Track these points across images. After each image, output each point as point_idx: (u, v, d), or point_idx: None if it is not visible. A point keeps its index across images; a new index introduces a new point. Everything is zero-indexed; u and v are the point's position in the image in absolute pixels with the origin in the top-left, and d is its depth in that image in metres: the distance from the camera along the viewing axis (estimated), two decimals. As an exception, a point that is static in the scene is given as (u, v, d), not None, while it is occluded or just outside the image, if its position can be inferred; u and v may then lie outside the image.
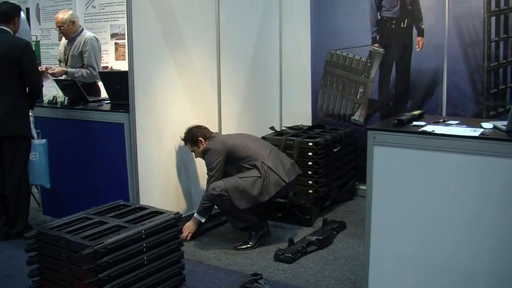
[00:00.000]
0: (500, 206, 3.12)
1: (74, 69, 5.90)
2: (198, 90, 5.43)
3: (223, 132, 5.77)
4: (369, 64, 5.85)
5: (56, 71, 5.89)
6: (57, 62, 6.25)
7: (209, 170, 4.81)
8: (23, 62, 4.83)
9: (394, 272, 3.52)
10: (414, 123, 3.58)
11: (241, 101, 6.06)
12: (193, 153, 5.07)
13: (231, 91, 5.83)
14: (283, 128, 6.10)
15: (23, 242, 3.68)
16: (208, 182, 4.77)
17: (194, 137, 4.95)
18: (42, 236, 3.64)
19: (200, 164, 5.47)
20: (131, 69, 4.64)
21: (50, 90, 6.04)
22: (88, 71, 5.90)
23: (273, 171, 4.66)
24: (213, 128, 5.63)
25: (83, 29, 6.10)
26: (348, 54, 6.01)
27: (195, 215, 4.88)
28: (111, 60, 7.56)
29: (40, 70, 5.43)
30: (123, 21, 7.11)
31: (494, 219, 3.15)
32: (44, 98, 5.59)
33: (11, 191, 4.98)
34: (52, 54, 7.80)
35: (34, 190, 5.62)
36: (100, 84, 6.09)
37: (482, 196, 3.17)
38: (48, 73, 5.86)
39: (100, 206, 4.11)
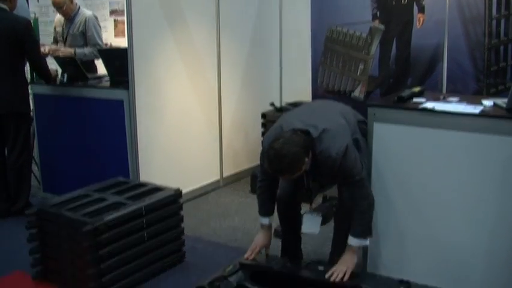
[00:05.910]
0: (501, 184, 3.12)
1: (81, 50, 5.86)
2: (197, 66, 5.41)
3: (223, 107, 5.75)
4: (369, 41, 5.82)
5: (61, 53, 5.78)
6: (52, 41, 6.19)
7: (358, 174, 3.30)
8: (26, 41, 4.82)
9: (393, 248, 3.54)
10: (414, 100, 3.57)
11: (241, 76, 6.04)
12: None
13: (231, 66, 5.81)
14: (284, 104, 6.08)
15: (24, 219, 3.69)
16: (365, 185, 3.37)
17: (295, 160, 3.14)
18: (42, 213, 3.65)
19: (200, 140, 5.48)
20: (130, 46, 4.63)
21: (50, 68, 6.01)
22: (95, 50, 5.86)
23: None
24: (213, 103, 5.63)
25: (79, 7, 6.04)
26: (348, 31, 5.96)
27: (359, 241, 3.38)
28: (110, 37, 7.52)
29: (43, 52, 5.41)
30: (122, -3, 7.07)
31: (494, 197, 3.16)
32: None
33: (12, 168, 4.99)
34: (51, 31, 7.75)
35: (34, 168, 5.62)
36: (97, 61, 6.07)
37: (482, 174, 3.17)
38: (52, 56, 5.78)
39: (100, 183, 4.12)
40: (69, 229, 3.49)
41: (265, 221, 3.64)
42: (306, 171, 3.29)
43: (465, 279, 3.33)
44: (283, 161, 3.07)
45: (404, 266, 3.48)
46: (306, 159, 3.16)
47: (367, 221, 3.33)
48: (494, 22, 5.07)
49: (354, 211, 3.30)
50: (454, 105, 3.39)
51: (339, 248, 3.62)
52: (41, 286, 3.73)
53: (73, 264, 3.53)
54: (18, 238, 4.22)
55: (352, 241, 3.31)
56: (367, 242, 3.36)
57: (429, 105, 3.39)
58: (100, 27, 6.14)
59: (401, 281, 3.14)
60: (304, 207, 3.90)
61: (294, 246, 3.87)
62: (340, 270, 3.25)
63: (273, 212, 3.67)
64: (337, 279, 3.20)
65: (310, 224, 3.69)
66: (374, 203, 3.35)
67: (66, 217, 3.51)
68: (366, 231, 3.33)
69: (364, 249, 3.64)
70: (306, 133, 3.19)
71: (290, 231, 3.85)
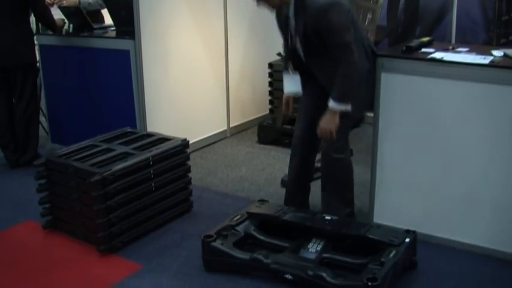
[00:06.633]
0: (509, 134, 3.11)
1: None
2: (204, 15, 5.35)
3: (230, 57, 5.71)
4: (378, -11, 5.74)
5: (65, 3, 5.69)
6: None
7: (345, 31, 3.18)
8: None
9: (400, 198, 3.55)
10: (423, 50, 3.53)
11: (248, 25, 5.97)
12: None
13: (237, 15, 5.73)
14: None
15: (33, 169, 3.73)
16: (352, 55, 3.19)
17: None
18: (50, 163, 3.68)
19: (207, 90, 5.46)
20: (136, -5, 4.58)
21: (56, 18, 5.96)
22: None
23: None
24: (219, 53, 5.59)
25: None
26: (356, -21, 5.88)
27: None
28: (115, -14, 7.43)
29: (48, 2, 5.34)
30: None
31: (501, 147, 3.15)
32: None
33: (20, 119, 5.00)
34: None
35: (42, 119, 5.63)
36: (104, 11, 6.00)
37: (491, 124, 3.16)
38: (57, 6, 5.69)
39: (107, 133, 4.13)
40: (78, 179, 3.52)
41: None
42: (293, 27, 3.32)
43: (472, 230, 3.35)
44: None
45: (410, 216, 3.49)
46: None
47: (349, 87, 3.24)
48: (506, -30, 5.00)
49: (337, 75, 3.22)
50: (463, 56, 3.35)
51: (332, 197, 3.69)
52: (51, 235, 3.78)
53: (82, 214, 3.57)
54: (28, 189, 4.27)
55: (332, 104, 3.25)
56: (349, 107, 3.26)
57: (438, 55, 3.36)
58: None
59: (407, 231, 3.15)
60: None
61: (302, 197, 3.90)
62: (324, 131, 3.30)
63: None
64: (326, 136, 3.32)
65: (291, 84, 3.64)
66: (359, 74, 3.27)
67: (74, 167, 3.53)
68: (346, 96, 3.25)
69: (371, 200, 3.66)
70: None
71: (300, 185, 3.91)
